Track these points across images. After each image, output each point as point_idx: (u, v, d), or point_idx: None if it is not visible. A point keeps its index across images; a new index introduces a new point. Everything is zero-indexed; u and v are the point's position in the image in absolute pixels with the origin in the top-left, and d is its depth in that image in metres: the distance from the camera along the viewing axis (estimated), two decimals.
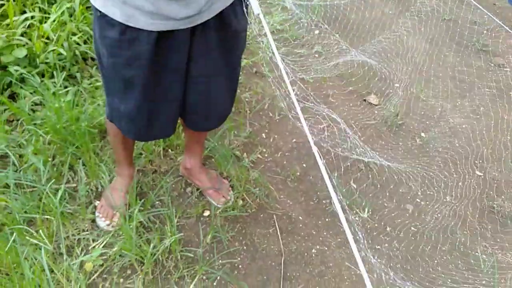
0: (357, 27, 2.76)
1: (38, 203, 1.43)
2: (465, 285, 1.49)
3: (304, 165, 1.88)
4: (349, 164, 1.88)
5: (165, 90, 1.15)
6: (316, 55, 2.50)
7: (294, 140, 1.99)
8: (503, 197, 1.90)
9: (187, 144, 1.58)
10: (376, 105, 2.26)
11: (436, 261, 1.59)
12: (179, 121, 1.38)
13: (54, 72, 1.83)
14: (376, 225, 1.68)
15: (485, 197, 1.88)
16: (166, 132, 1.29)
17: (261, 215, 1.64)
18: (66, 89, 1.82)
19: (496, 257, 1.62)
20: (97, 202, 1.52)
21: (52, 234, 1.39)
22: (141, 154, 1.72)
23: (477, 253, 1.63)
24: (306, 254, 1.54)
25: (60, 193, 1.43)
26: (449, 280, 1.52)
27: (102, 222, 1.46)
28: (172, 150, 1.77)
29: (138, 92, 1.11)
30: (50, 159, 1.58)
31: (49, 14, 2.01)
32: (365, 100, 2.29)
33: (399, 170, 1.87)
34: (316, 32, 2.69)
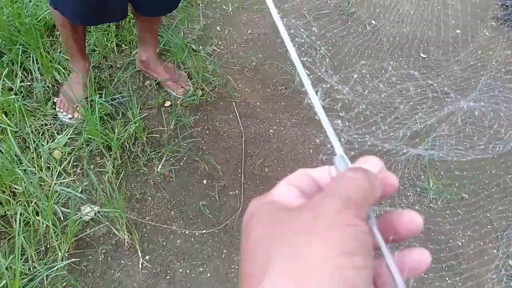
0: None
1: None
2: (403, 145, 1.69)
3: (260, 55, 1.93)
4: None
5: None
6: None
7: (249, 31, 2.01)
8: (442, 75, 2.07)
9: (140, 35, 1.57)
10: None
11: (382, 130, 1.77)
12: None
13: None
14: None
15: (427, 76, 2.04)
16: (115, 15, 1.28)
17: (221, 103, 1.72)
18: None
19: (431, 124, 1.83)
20: (56, 98, 1.53)
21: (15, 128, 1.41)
22: (94, 50, 1.69)
23: (416, 123, 1.83)
24: (264, 134, 1.66)
25: (15, 89, 1.42)
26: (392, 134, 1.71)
27: (64, 117, 1.48)
28: (125, 45, 1.75)
29: None
30: None
31: None
32: None
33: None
34: None
